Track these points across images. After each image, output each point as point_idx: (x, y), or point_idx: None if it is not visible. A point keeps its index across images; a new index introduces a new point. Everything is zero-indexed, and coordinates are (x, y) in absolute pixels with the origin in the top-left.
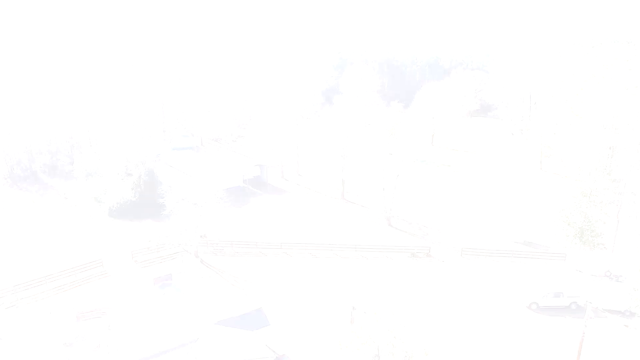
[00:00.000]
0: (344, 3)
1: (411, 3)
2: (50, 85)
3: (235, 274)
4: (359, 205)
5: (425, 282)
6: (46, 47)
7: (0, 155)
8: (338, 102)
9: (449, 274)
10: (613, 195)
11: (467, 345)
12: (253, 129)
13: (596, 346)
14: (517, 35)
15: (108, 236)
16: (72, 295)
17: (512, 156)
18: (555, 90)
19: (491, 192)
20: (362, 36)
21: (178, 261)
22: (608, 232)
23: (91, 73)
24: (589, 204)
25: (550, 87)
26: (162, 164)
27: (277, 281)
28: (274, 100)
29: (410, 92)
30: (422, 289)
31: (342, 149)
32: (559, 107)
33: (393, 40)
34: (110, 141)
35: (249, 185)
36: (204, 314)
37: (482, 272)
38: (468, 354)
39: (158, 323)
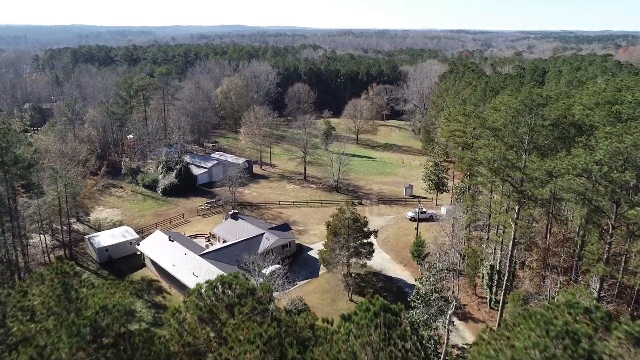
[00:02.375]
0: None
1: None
2: None
3: (260, 216)
4: (316, 181)
5: (361, 212)
6: None
7: None
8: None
9: (373, 210)
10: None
11: (386, 228)
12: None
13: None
14: (416, 58)
15: (170, 204)
16: (182, 229)
17: (412, 146)
18: (435, 102)
19: (397, 170)
20: (298, 58)
21: (228, 211)
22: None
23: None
24: (438, 170)
25: (432, 99)
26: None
27: (285, 216)
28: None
29: (338, 100)
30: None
31: (302, 146)
32: (436, 114)
33: (320, 59)
34: (151, 149)
35: (244, 172)
36: (261, 226)
37: (389, 209)
38: (386, 230)
39: (242, 229)
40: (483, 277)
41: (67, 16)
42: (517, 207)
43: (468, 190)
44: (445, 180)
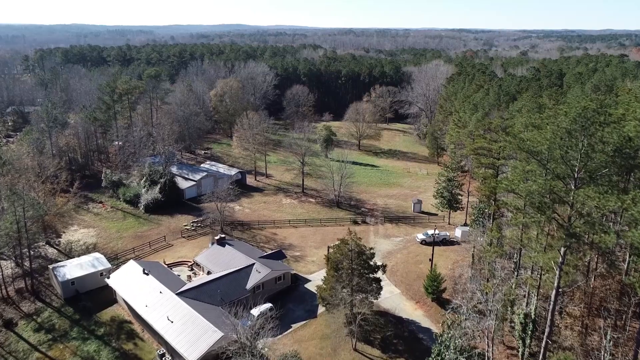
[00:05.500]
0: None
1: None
2: None
3: (252, 238)
4: (315, 195)
5: (364, 234)
6: None
7: None
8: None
9: (378, 231)
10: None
11: (393, 254)
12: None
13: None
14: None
15: (152, 224)
16: (162, 254)
17: (417, 152)
18: (443, 106)
19: (403, 180)
20: (297, 58)
21: (215, 235)
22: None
23: None
24: (451, 185)
25: (439, 103)
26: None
27: (280, 238)
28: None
29: (339, 102)
30: (364, 237)
31: (300, 156)
32: (444, 119)
33: (320, 60)
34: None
35: (235, 186)
36: (251, 253)
37: (397, 229)
38: (394, 256)
39: (229, 258)
40: (515, 326)
41: (66, 16)
42: (562, 250)
43: (493, 220)
44: (459, 197)
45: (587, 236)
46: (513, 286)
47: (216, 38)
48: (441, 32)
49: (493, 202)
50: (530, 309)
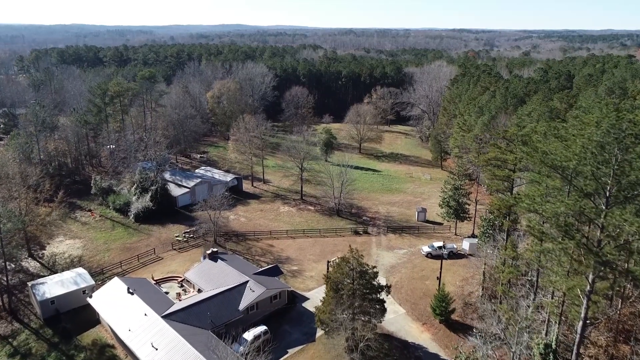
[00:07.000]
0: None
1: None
2: None
3: (247, 250)
4: (314, 202)
5: (366, 246)
6: None
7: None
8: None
9: (381, 242)
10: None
11: (397, 269)
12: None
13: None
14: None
15: (142, 234)
16: (151, 268)
17: (420, 156)
18: (446, 108)
19: (406, 186)
20: (297, 59)
21: (207, 249)
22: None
23: None
24: (458, 194)
25: (443, 105)
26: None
27: (277, 250)
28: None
29: (339, 104)
30: (365, 249)
31: (299, 161)
32: (448, 122)
33: (320, 60)
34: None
35: (230, 192)
36: (245, 269)
37: (400, 240)
38: (398, 271)
39: (221, 275)
40: (533, 355)
41: (66, 16)
42: (591, 277)
43: (507, 236)
44: (467, 207)
45: (620, 262)
46: (530, 311)
47: (216, 38)
48: (442, 32)
49: (508, 218)
50: (551, 339)
